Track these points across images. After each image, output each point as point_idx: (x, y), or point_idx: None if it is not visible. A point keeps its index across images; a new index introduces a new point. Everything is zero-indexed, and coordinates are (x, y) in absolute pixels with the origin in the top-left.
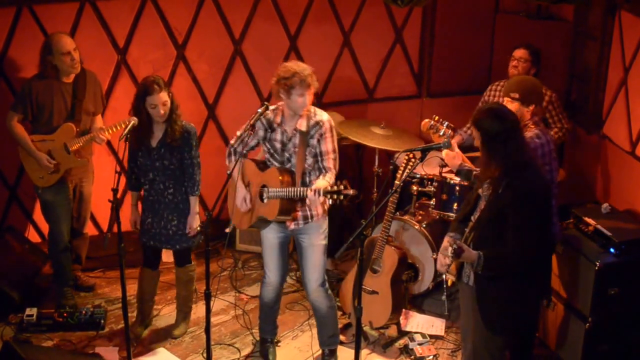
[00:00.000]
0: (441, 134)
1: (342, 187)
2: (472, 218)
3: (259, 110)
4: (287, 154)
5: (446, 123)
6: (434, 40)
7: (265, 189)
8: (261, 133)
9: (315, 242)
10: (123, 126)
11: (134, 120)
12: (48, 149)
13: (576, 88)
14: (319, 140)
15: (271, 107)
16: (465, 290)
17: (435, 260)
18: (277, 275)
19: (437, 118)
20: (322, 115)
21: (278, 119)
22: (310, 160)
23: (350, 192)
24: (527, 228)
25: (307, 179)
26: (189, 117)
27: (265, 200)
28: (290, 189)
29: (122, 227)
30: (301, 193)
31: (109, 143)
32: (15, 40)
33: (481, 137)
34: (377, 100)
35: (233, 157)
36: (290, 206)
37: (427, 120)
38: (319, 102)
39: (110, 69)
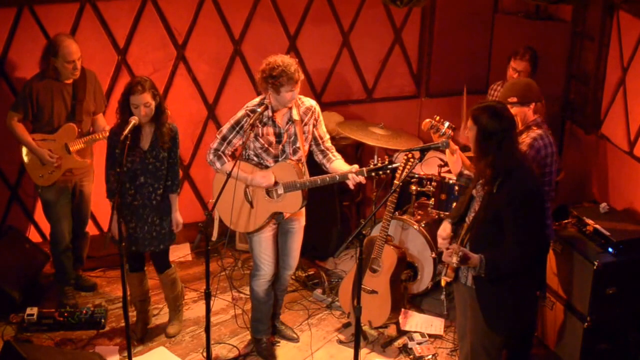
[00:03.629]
0: (442, 133)
1: (386, 162)
2: (467, 219)
3: (258, 109)
4: (281, 146)
5: (447, 123)
6: (433, 41)
7: (291, 182)
8: (256, 130)
9: (302, 224)
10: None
11: (134, 120)
12: (49, 148)
13: (574, 88)
14: (314, 125)
15: (256, 100)
16: (462, 290)
17: (434, 259)
18: (273, 266)
19: (437, 118)
20: (310, 101)
21: (269, 112)
22: (306, 146)
23: (396, 164)
24: (524, 228)
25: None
26: (188, 117)
27: (279, 195)
28: (325, 176)
29: (122, 227)
30: (339, 178)
31: None
32: (15, 40)
33: (477, 132)
34: (376, 101)
35: (225, 159)
36: (308, 194)
37: (428, 120)
38: (319, 102)
39: (111, 69)
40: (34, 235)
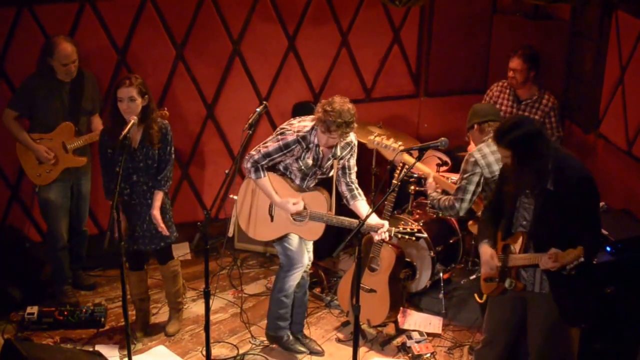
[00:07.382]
0: (391, 149)
1: (415, 229)
2: (521, 228)
3: (258, 109)
4: (314, 170)
5: (392, 139)
6: (431, 40)
7: (319, 214)
8: (300, 154)
9: None
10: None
11: (134, 120)
12: (46, 147)
13: (573, 87)
14: (348, 159)
15: (308, 124)
16: (510, 300)
17: (433, 258)
18: (306, 257)
19: (383, 137)
20: (351, 135)
21: (315, 140)
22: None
23: (424, 235)
24: (596, 211)
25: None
26: (187, 117)
27: (306, 220)
28: (354, 221)
29: (122, 225)
30: (367, 229)
31: None
32: (15, 40)
33: (515, 151)
34: (375, 100)
35: (262, 173)
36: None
37: (371, 137)
38: (317, 101)
39: (110, 69)
40: (33, 235)
